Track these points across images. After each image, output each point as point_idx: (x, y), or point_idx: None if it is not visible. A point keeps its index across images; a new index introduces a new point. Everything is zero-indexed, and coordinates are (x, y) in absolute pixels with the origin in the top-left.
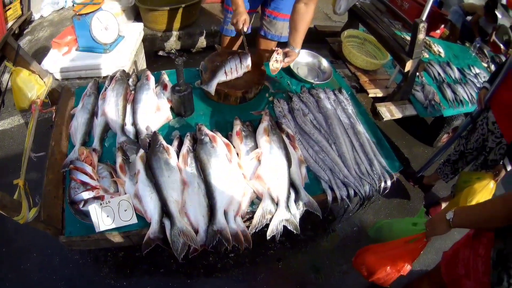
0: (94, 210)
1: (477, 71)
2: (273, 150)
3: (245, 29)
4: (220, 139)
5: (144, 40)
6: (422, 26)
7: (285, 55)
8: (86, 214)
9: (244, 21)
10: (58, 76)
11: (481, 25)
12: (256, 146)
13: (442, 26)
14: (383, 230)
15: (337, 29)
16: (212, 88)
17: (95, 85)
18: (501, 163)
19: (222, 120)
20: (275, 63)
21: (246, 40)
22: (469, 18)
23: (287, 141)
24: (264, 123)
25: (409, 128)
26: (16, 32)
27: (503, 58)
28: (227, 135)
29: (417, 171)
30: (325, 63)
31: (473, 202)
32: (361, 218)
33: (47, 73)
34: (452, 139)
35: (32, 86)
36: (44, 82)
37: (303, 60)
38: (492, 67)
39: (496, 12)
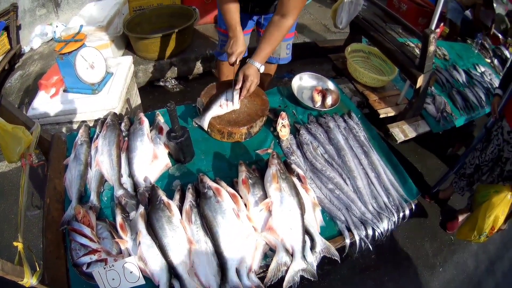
0: (98, 274)
1: (482, 69)
2: (284, 198)
3: (237, 62)
4: (225, 191)
5: (136, 71)
6: (433, 37)
7: (243, 80)
8: (91, 276)
9: (239, 55)
10: (48, 121)
11: (481, 18)
12: (265, 194)
13: (442, 24)
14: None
15: (339, 43)
16: (205, 122)
17: (86, 132)
18: None
19: (226, 164)
20: (283, 129)
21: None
22: (467, 13)
23: (298, 184)
24: (272, 168)
25: (421, 140)
26: (6, 67)
27: (504, 50)
28: (232, 182)
29: (432, 186)
30: (331, 85)
31: (492, 217)
32: (379, 244)
33: (33, 122)
34: (467, 151)
35: (19, 139)
36: (32, 133)
37: (307, 84)
38: (496, 62)
39: (493, 2)
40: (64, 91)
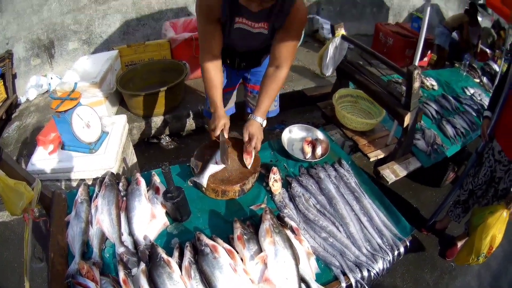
0: None
1: (472, 91)
2: (279, 251)
3: (225, 135)
4: (221, 247)
5: (131, 128)
6: (417, 74)
7: (249, 141)
8: None
9: (224, 127)
10: (47, 177)
11: (470, 37)
12: (260, 248)
13: (429, 52)
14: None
15: (327, 89)
16: (204, 180)
17: (85, 191)
18: None
19: (222, 221)
20: (275, 183)
21: (227, 149)
22: (454, 35)
23: (291, 236)
24: (265, 224)
25: (413, 175)
26: (4, 117)
27: (493, 65)
28: (228, 238)
29: (428, 218)
30: (320, 135)
31: (489, 238)
32: (377, 283)
33: (34, 178)
34: (461, 179)
35: (21, 194)
36: (33, 189)
37: (297, 135)
38: (485, 80)
39: (478, 17)
40: (62, 148)
